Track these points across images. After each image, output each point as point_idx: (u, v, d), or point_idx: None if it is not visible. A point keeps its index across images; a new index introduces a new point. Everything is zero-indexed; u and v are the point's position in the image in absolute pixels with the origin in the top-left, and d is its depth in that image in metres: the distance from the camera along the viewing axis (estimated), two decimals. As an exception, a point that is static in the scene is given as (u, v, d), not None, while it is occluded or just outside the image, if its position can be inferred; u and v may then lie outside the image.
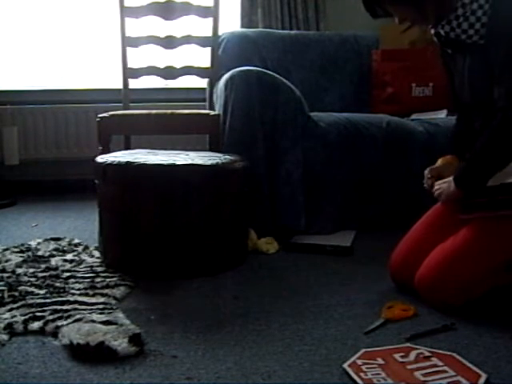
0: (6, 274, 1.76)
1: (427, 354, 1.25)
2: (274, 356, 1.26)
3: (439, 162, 1.73)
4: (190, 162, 1.84)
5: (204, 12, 2.67)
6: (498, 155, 1.49)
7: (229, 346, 1.31)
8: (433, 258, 1.54)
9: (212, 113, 2.41)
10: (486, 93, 1.51)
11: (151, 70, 2.69)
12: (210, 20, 2.67)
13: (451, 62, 1.65)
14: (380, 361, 1.22)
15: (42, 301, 1.53)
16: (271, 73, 2.24)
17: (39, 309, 1.48)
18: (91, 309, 1.48)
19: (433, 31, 1.59)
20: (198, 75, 2.74)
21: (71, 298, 1.56)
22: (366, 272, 1.84)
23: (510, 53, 1.43)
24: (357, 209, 2.33)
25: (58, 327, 1.37)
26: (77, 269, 1.83)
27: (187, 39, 2.67)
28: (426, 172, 1.71)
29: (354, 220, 2.32)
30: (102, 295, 1.59)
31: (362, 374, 1.16)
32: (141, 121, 2.40)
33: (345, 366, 1.20)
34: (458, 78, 1.62)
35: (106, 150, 2.26)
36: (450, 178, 1.58)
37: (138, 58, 2.73)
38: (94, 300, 1.55)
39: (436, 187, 1.63)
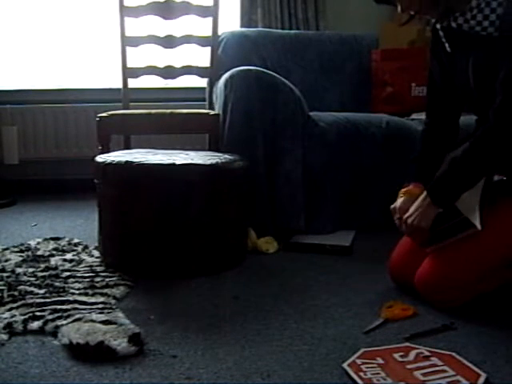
0: (5, 274, 1.76)
1: (427, 353, 1.25)
2: (273, 355, 1.26)
3: (402, 195, 1.63)
4: (189, 161, 1.84)
5: (204, 12, 2.67)
6: (479, 166, 1.46)
7: (228, 346, 1.31)
8: (433, 258, 1.54)
9: (212, 112, 2.42)
10: (492, 89, 1.45)
11: (151, 70, 2.69)
12: (210, 20, 2.68)
13: (448, 61, 1.60)
14: (379, 360, 1.22)
15: (42, 300, 1.53)
16: (271, 72, 2.24)
17: (39, 308, 1.48)
18: (91, 308, 1.48)
19: (438, 25, 1.55)
20: (197, 75, 2.74)
21: (71, 298, 1.55)
22: (365, 272, 1.84)
23: None
24: (356, 208, 2.33)
25: (57, 327, 1.37)
26: (76, 268, 1.82)
27: (187, 39, 2.68)
28: (393, 209, 1.64)
29: (353, 220, 2.32)
30: (102, 295, 1.59)
31: (361, 374, 1.16)
32: (140, 120, 2.40)
33: (344, 365, 1.20)
34: (460, 78, 1.58)
35: (106, 150, 2.26)
36: (417, 202, 1.53)
37: (138, 57, 2.73)
38: (93, 299, 1.55)
39: (408, 222, 1.54)
